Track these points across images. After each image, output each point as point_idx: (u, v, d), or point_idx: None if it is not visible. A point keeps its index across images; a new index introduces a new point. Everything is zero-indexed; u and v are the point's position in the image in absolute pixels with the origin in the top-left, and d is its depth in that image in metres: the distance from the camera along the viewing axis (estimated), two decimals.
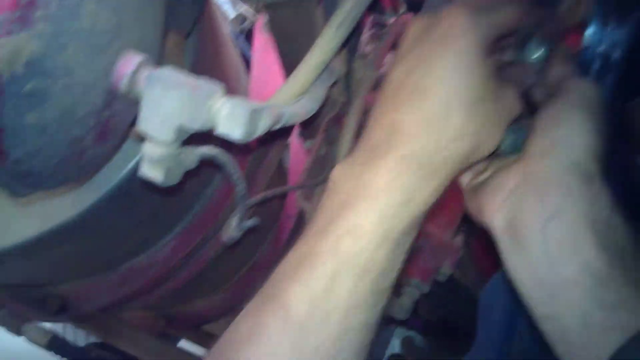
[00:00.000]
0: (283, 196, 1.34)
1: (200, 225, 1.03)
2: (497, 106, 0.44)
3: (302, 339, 0.39)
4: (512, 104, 0.45)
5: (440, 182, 0.43)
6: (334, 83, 0.73)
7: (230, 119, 0.50)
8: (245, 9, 1.23)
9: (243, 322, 0.42)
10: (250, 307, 0.43)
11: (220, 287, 1.39)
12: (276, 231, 1.37)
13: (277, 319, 0.40)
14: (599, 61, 0.57)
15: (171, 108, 0.50)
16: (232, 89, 1.14)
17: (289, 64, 0.87)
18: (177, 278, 1.13)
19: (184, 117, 0.51)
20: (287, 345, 0.39)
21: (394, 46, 1.03)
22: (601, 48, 0.57)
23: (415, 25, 0.47)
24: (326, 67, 0.65)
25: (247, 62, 1.18)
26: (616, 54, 0.57)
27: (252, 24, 1.24)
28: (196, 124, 0.51)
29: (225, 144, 0.58)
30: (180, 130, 0.51)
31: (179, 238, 1.04)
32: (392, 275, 0.43)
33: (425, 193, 0.42)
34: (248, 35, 1.23)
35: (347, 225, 0.41)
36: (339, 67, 0.75)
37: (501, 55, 0.49)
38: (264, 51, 1.14)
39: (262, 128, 0.54)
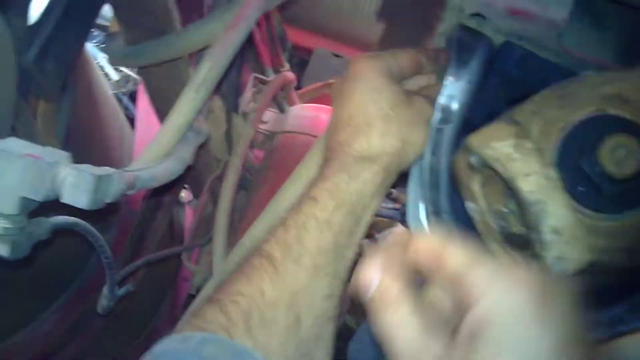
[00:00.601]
0: (178, 259, 1.31)
1: (83, 296, 0.98)
2: (412, 111, 0.58)
3: (279, 280, 0.47)
4: (425, 109, 0.59)
5: (378, 167, 0.55)
6: (202, 144, 0.73)
7: (75, 187, 0.49)
8: (128, 70, 1.23)
9: (236, 269, 0.49)
10: (240, 262, 0.50)
11: None
12: (172, 296, 1.33)
13: (259, 263, 0.48)
14: (439, 112, 0.61)
15: (13, 180, 0.49)
16: (113, 149, 1.11)
17: None
18: (63, 354, 1.07)
19: (27, 189, 0.49)
20: (268, 284, 0.46)
21: (274, 100, 1.06)
22: (441, 100, 0.61)
23: (336, 82, 0.63)
24: (190, 128, 0.65)
25: (133, 122, 1.17)
26: (455, 106, 0.62)
27: (136, 85, 1.23)
28: (40, 195, 0.49)
29: (103, 210, 0.56)
30: (24, 202, 0.50)
31: (61, 311, 0.98)
32: (351, 240, 0.52)
33: (366, 174, 0.54)
34: (133, 96, 1.22)
35: (308, 195, 0.52)
36: (208, 127, 0.75)
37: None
38: (147, 111, 1.14)
39: (113, 194, 0.53)
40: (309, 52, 1.38)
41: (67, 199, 0.50)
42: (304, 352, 0.46)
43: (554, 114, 0.55)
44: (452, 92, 0.62)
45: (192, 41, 0.70)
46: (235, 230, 0.97)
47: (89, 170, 0.50)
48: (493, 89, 0.64)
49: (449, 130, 0.61)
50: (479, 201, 0.59)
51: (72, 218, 0.59)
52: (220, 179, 0.99)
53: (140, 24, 0.79)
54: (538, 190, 0.51)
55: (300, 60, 1.38)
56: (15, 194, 0.49)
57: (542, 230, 0.52)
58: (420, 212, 0.64)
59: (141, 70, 0.81)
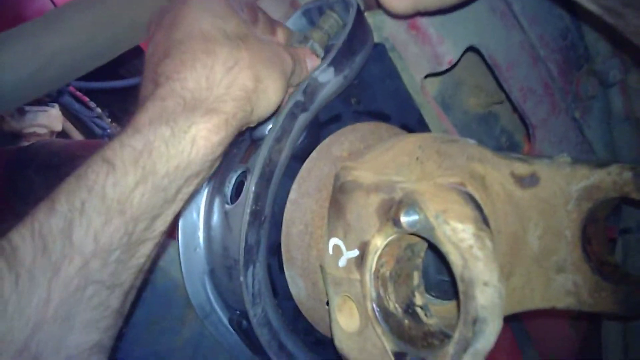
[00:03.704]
0: None
1: None
2: (267, 49, 0.44)
3: (29, 285, 0.37)
4: (283, 55, 0.47)
5: (221, 119, 0.40)
6: None
7: None
8: None
9: None
10: None
11: None
12: None
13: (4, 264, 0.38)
14: (300, 95, 0.55)
15: None
16: None
17: None
18: None
19: None
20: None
21: None
22: (309, 83, 0.55)
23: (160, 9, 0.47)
24: None
25: None
26: (321, 95, 0.57)
27: None
28: None
29: None
30: None
31: None
32: (153, 228, 0.39)
33: (200, 127, 0.39)
34: None
35: (100, 159, 0.38)
36: None
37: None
38: None
39: None
40: None
41: None
42: None
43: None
44: (324, 80, 0.51)
45: None
46: None
47: None
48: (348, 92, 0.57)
49: (302, 120, 0.50)
50: (367, 264, 0.47)
51: None
52: None
53: None
54: (491, 307, 0.38)
55: None
56: None
57: (474, 344, 0.39)
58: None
59: None
